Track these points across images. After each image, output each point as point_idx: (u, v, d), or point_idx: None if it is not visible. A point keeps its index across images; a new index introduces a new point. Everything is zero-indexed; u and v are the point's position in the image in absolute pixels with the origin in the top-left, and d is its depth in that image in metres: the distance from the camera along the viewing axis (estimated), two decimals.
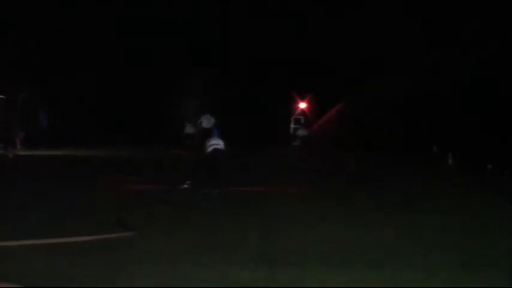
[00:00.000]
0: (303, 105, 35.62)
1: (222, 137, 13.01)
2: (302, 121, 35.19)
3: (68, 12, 32.28)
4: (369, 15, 31.24)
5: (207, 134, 13.45)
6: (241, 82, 33.84)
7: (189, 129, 24.46)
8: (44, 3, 31.31)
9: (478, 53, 24.77)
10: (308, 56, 34.02)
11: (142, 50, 33.39)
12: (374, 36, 31.16)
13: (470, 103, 25.77)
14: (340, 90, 32.17)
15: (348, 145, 29.09)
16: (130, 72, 33.09)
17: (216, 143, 12.70)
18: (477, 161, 19.15)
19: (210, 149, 12.61)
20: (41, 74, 30.12)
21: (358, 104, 31.35)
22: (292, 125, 35.41)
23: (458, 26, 26.96)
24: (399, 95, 29.28)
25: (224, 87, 31.82)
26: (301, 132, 33.35)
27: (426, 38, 28.75)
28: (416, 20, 29.49)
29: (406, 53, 29.39)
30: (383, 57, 30.44)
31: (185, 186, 12.45)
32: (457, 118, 25.95)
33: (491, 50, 24.52)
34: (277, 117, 34.22)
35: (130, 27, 33.20)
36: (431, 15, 29.58)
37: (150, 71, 33.40)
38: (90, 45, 32.71)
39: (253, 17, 34.19)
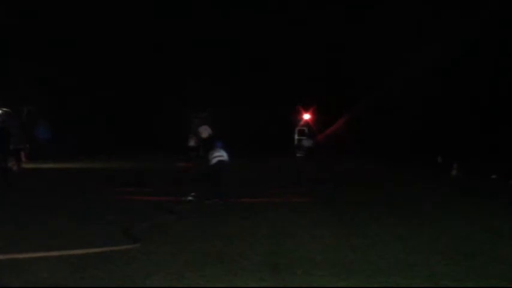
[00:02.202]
0: (306, 116, 35.79)
1: (225, 148, 13.11)
2: (306, 132, 35.30)
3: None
4: (376, 18, 31.60)
5: (208, 144, 13.54)
6: (242, 82, 34.09)
7: (192, 141, 24.62)
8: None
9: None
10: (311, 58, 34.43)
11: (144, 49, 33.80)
12: (377, 39, 31.53)
13: (476, 113, 26.04)
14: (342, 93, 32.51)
15: (351, 152, 29.22)
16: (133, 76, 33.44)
17: (220, 155, 12.83)
18: (481, 171, 19.21)
19: (214, 161, 12.74)
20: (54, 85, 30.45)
21: (363, 111, 31.62)
22: (296, 136, 35.53)
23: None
24: (403, 102, 29.61)
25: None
26: (306, 143, 33.40)
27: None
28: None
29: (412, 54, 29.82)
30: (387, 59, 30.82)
31: (189, 198, 12.53)
32: (462, 128, 26.17)
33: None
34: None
35: (134, 27, 33.57)
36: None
37: (157, 68, 33.78)
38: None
39: (255, 16, 34.51)
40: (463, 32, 29.49)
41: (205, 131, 13.26)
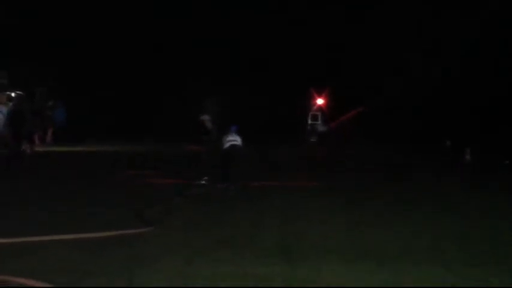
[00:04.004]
0: (320, 101, 35.64)
1: (239, 133, 13.13)
2: (319, 117, 35.12)
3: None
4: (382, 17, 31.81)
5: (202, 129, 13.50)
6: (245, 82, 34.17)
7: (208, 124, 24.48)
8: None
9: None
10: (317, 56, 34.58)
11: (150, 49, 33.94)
12: (383, 39, 31.74)
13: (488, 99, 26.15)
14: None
15: (360, 138, 29.16)
16: (140, 67, 33.57)
17: (234, 139, 12.86)
18: (494, 156, 19.22)
19: (227, 145, 12.77)
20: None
21: (374, 100, 31.75)
22: (309, 121, 35.26)
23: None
24: (413, 91, 29.76)
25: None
26: (320, 127, 33.30)
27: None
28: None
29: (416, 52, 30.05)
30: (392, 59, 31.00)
31: (202, 181, 12.51)
32: (472, 114, 26.26)
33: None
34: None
35: (134, 27, 33.74)
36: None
37: (157, 68, 33.89)
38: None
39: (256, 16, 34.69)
40: (463, 32, 29.70)
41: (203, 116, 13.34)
